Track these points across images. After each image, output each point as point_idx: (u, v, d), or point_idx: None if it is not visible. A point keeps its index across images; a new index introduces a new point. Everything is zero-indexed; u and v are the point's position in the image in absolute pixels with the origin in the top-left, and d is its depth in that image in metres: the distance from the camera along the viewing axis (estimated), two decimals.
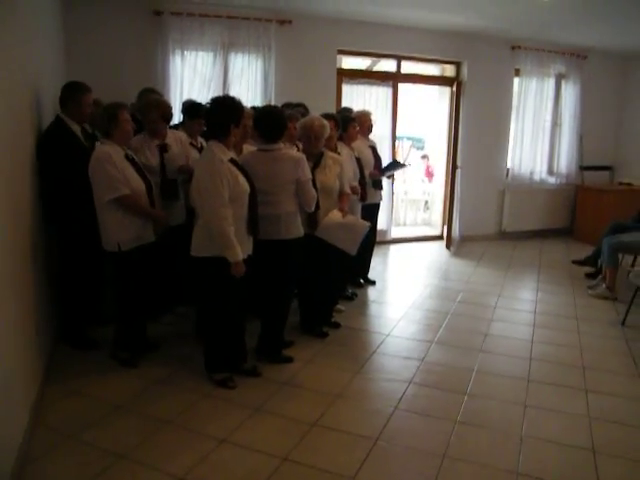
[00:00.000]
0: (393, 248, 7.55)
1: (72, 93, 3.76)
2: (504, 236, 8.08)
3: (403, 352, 4.13)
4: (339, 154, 4.40)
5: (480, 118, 7.53)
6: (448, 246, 7.38)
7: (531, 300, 5.42)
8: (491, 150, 7.82)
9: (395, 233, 7.91)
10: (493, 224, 8.09)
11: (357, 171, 4.91)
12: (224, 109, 3.22)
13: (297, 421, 3.10)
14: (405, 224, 8.96)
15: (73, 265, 3.84)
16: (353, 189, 4.49)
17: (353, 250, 4.04)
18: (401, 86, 7.36)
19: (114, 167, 3.40)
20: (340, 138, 4.86)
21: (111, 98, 4.69)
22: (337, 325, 4.52)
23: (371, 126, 5.44)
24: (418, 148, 11.43)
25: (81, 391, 3.35)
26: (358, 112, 5.44)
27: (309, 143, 4.01)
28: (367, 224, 4.11)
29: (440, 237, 7.90)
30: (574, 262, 6.33)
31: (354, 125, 4.98)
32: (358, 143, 5.16)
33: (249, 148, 3.91)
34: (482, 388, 3.56)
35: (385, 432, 3.01)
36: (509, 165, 8.01)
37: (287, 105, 5.06)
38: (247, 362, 3.67)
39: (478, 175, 7.67)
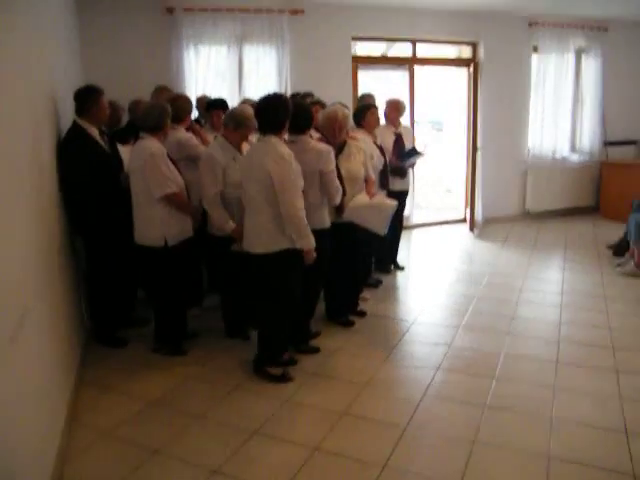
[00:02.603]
0: (416, 232, 7.52)
1: (88, 97, 3.76)
2: (528, 217, 7.99)
3: (430, 338, 4.13)
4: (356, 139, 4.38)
5: (499, 98, 7.43)
6: (471, 229, 7.33)
7: (558, 281, 5.36)
8: (511, 130, 7.72)
9: (417, 217, 7.86)
10: (517, 205, 8.00)
11: (381, 158, 4.88)
12: (280, 105, 3.27)
13: (327, 411, 3.13)
14: (427, 207, 8.91)
15: (101, 268, 3.91)
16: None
17: (382, 230, 3.98)
18: (418, 69, 7.29)
19: (166, 164, 3.57)
20: (360, 125, 4.85)
21: (128, 97, 4.81)
22: (363, 313, 4.53)
23: (398, 114, 5.38)
24: (438, 130, 11.34)
25: (115, 388, 3.43)
26: (388, 99, 5.41)
27: (332, 133, 4.00)
28: (394, 203, 4.07)
29: (463, 220, 7.84)
30: (609, 247, 6.16)
31: (372, 112, 4.94)
32: (381, 130, 5.14)
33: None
34: (510, 372, 3.55)
35: (414, 419, 3.02)
36: (530, 144, 7.89)
37: (295, 95, 5.06)
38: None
39: (499, 156, 7.57)
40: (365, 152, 4.20)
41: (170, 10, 5.77)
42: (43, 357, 2.59)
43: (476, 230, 7.28)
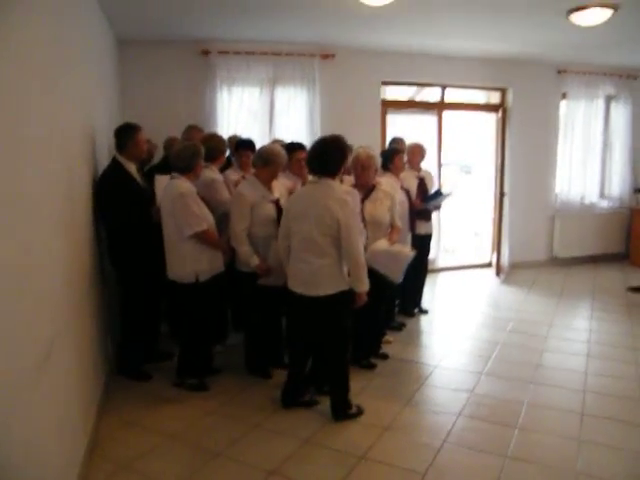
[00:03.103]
0: (442, 276, 7.48)
1: (126, 134, 3.91)
2: (556, 262, 7.90)
3: (452, 384, 4.09)
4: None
5: (527, 143, 7.45)
6: (498, 273, 7.27)
7: (585, 329, 5.26)
8: (539, 175, 7.72)
9: (443, 261, 7.84)
10: (544, 250, 7.92)
11: (406, 202, 4.93)
12: (337, 147, 3.33)
13: (346, 453, 3.11)
14: (454, 251, 8.87)
15: (133, 300, 3.99)
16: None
17: (397, 278, 4.02)
18: (447, 113, 7.38)
19: (196, 203, 3.67)
20: (388, 169, 4.92)
21: (163, 136, 4.99)
22: (385, 356, 4.51)
23: (420, 158, 5.46)
24: (466, 173, 11.37)
25: (135, 421, 3.47)
26: (409, 144, 5.49)
27: (356, 174, 4.10)
28: (412, 252, 4.11)
29: (490, 264, 7.78)
30: (630, 289, 6.11)
31: (400, 157, 5.02)
32: (406, 174, 5.20)
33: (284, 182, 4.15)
34: (534, 422, 3.48)
35: (433, 466, 2.98)
36: (558, 190, 7.87)
37: (276, 141, 5.11)
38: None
39: (527, 201, 7.56)
40: (393, 198, 4.25)
41: (206, 52, 6.00)
42: (68, 386, 2.65)
43: (502, 275, 7.22)
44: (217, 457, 3.07)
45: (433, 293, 6.65)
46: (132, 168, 3.96)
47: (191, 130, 4.79)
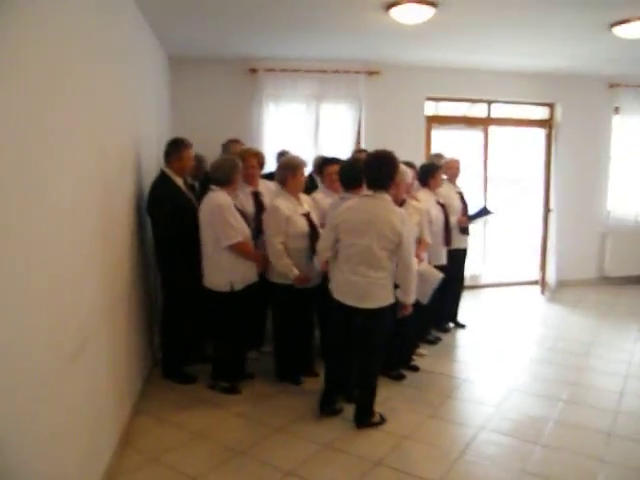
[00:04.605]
0: (486, 292, 7.41)
1: (175, 149, 4.16)
2: (606, 281, 7.66)
3: (480, 398, 4.10)
4: (417, 200, 4.53)
5: (577, 159, 7.30)
6: (543, 291, 7.14)
7: (628, 350, 5.10)
8: (589, 192, 7.54)
9: (488, 277, 7.75)
10: (593, 268, 7.71)
11: (441, 216, 4.99)
12: (391, 161, 3.47)
13: (362, 459, 3.19)
14: (503, 268, 8.75)
15: (178, 307, 4.19)
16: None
17: (424, 299, 4.07)
18: (494, 129, 7.36)
19: (232, 215, 3.82)
20: (425, 185, 5.00)
21: (211, 150, 5.23)
22: (416, 368, 4.55)
23: (458, 173, 5.50)
24: (521, 190, 11.18)
25: (168, 418, 3.67)
26: (445, 159, 5.54)
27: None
28: (440, 275, 4.17)
29: (536, 282, 7.64)
30: None
31: (440, 172, 5.09)
32: (445, 189, 5.25)
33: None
34: (557, 439, 3.45)
35: (448, 476, 3.02)
36: (610, 207, 7.66)
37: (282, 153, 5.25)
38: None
39: (575, 218, 7.39)
40: (422, 213, 4.32)
41: (253, 70, 6.26)
42: (100, 380, 2.87)
43: (547, 293, 7.08)
44: (239, 455, 3.23)
45: (475, 309, 6.59)
46: (179, 180, 4.17)
47: (232, 144, 5.01)
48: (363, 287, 3.40)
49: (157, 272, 4.34)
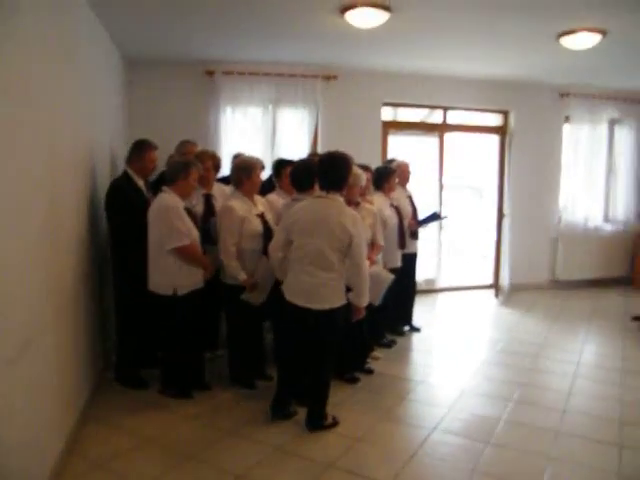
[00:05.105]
0: (441, 297, 7.50)
1: (137, 150, 4.12)
2: (558, 285, 7.87)
3: (433, 400, 4.13)
4: (372, 203, 4.56)
5: (530, 166, 7.50)
6: (497, 295, 7.28)
7: (576, 351, 5.24)
8: (542, 197, 7.75)
9: (444, 282, 7.86)
10: (545, 272, 7.91)
11: (395, 219, 5.04)
12: (345, 163, 3.47)
13: (314, 462, 3.17)
14: (459, 273, 8.88)
15: (132, 309, 4.09)
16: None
17: (376, 300, 4.11)
18: (449, 135, 7.48)
19: (180, 218, 3.71)
20: (380, 188, 5.04)
21: (166, 152, 5.13)
22: (370, 371, 4.56)
23: (409, 176, 5.57)
24: (479, 196, 11.40)
25: (117, 423, 3.59)
26: (397, 162, 5.60)
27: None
28: (391, 276, 4.21)
29: (491, 286, 7.78)
30: (635, 319, 6.04)
31: (394, 177, 5.14)
32: (396, 193, 5.30)
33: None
34: (507, 438, 3.50)
35: (399, 477, 3.02)
36: (561, 213, 7.88)
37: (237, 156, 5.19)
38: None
39: (529, 223, 7.58)
40: (376, 216, 4.35)
41: (210, 73, 6.20)
42: (44, 385, 2.77)
43: (501, 296, 7.22)
44: (189, 460, 3.16)
45: (429, 313, 6.67)
46: (139, 181, 4.13)
47: (185, 145, 4.94)
48: (313, 287, 3.39)
49: (112, 272, 4.23)
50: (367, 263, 4.02)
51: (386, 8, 4.10)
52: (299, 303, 3.44)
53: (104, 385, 4.13)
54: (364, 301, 3.50)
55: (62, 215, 3.22)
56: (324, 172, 3.48)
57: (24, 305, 2.49)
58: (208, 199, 4.46)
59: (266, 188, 4.52)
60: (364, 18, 4.20)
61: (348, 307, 3.51)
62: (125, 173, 4.14)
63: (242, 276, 3.89)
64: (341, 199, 3.46)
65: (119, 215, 3.98)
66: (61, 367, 3.10)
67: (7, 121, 2.30)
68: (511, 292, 7.37)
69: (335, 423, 3.62)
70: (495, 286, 7.34)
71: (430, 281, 7.54)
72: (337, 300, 3.43)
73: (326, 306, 3.40)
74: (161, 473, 3.02)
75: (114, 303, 4.23)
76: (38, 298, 2.70)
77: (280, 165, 4.56)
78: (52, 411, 2.92)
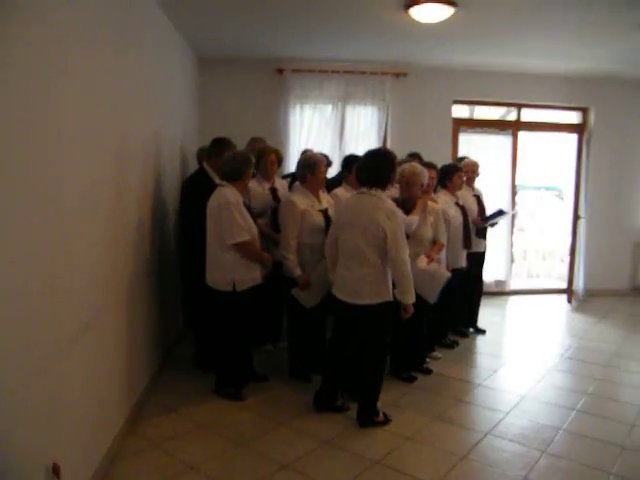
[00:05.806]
0: (512, 299, 7.26)
1: (217, 148, 4.17)
2: (638, 292, 7.41)
3: (489, 403, 4.02)
4: (436, 201, 4.49)
5: (610, 166, 7.10)
6: (569, 300, 6.96)
7: None
8: (623, 199, 7.31)
9: (516, 284, 7.60)
10: (625, 278, 7.45)
11: (460, 218, 4.94)
12: (389, 160, 3.49)
13: (360, 457, 3.18)
14: (537, 276, 8.59)
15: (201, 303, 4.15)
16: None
17: (431, 298, 4.07)
18: (524, 133, 7.22)
19: (240, 213, 3.66)
20: (445, 186, 4.95)
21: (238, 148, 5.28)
22: (428, 371, 4.50)
23: (474, 175, 5.44)
24: (559, 198, 10.96)
25: (174, 408, 3.74)
26: (465, 161, 5.48)
27: (402, 188, 4.17)
28: (447, 274, 4.13)
29: (564, 290, 7.44)
30: None
31: (460, 175, 5.04)
32: (463, 192, 5.19)
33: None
34: (565, 448, 3.36)
35: (445, 479, 2.97)
36: None
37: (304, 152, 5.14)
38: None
39: (608, 225, 7.18)
40: (439, 214, 4.28)
41: (280, 71, 6.32)
42: (104, 365, 2.95)
43: (574, 302, 6.90)
44: (238, 446, 3.26)
45: (498, 315, 6.47)
46: (216, 177, 4.05)
47: (255, 141, 5.05)
48: (350, 282, 3.43)
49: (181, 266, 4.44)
50: (422, 259, 4.00)
51: (451, 3, 4.02)
52: (341, 297, 3.48)
53: (163, 373, 4.30)
54: (408, 298, 3.43)
55: (127, 209, 3.40)
56: (367, 168, 3.48)
57: (87, 291, 2.66)
58: (275, 192, 4.55)
59: (335, 184, 4.56)
60: (428, 13, 4.13)
61: (393, 304, 3.47)
62: (202, 169, 4.23)
63: (297, 272, 3.93)
64: (383, 195, 3.43)
65: (193, 210, 3.98)
66: (121, 353, 3.28)
67: (95, 123, 2.50)
68: (586, 298, 7.02)
69: (386, 420, 3.60)
70: (569, 291, 7.01)
71: (500, 283, 7.32)
72: (377, 296, 3.40)
73: (365, 301, 3.39)
74: (209, 456, 3.13)
75: (182, 297, 4.39)
76: (101, 285, 2.87)
77: (349, 161, 4.58)
78: (111, 392, 3.10)
